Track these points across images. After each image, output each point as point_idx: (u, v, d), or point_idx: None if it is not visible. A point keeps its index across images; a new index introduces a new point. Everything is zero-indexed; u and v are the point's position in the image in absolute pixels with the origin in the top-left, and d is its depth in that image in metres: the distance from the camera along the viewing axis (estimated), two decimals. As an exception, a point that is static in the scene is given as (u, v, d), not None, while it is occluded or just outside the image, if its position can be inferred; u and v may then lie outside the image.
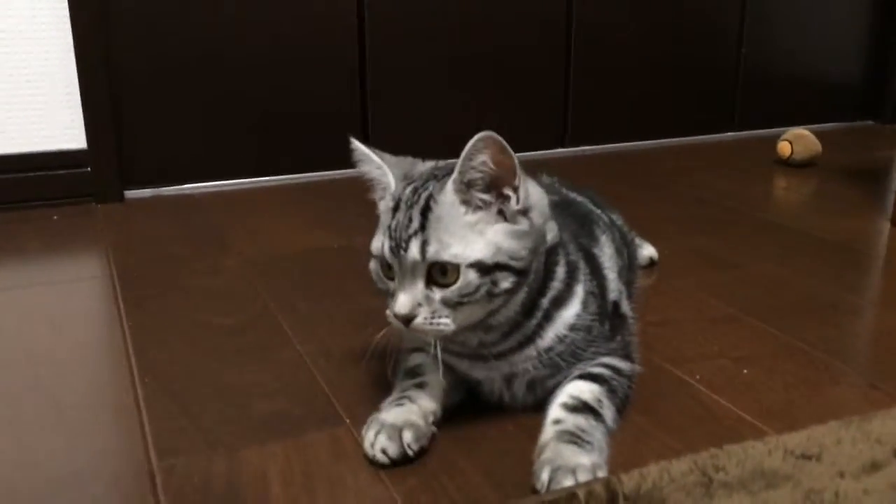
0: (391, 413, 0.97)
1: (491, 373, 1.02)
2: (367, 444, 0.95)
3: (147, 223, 1.99)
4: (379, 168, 0.99)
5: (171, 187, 2.20)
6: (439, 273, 0.91)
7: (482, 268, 0.91)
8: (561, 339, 1.00)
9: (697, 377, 1.15)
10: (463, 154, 0.90)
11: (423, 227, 0.91)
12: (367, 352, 1.08)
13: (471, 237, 0.91)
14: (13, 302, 1.48)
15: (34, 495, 0.90)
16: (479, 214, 0.92)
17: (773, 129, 2.81)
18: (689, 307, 1.42)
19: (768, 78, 2.96)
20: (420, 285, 0.92)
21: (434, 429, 0.98)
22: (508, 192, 0.93)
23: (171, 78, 2.15)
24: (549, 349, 1.00)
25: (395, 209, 0.94)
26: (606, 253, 1.15)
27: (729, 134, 2.94)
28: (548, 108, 2.64)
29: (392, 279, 0.95)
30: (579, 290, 1.01)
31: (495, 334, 0.99)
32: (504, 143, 0.89)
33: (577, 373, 1.02)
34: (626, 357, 1.07)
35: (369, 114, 2.37)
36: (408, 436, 0.93)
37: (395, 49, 2.37)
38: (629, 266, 1.32)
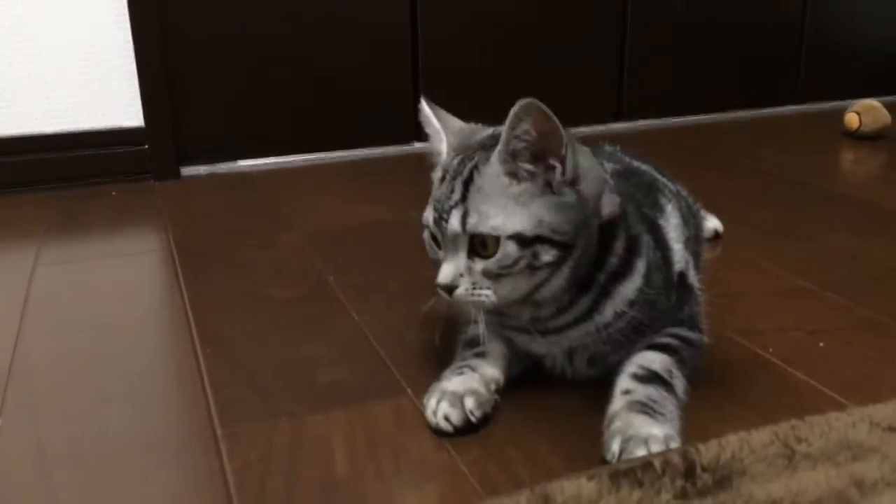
0: (452, 381, 0.95)
1: (551, 348, 1.00)
2: (429, 412, 0.93)
3: (203, 199, 2.00)
4: (436, 133, 0.98)
5: (226, 164, 2.22)
6: (480, 244, 0.89)
7: (522, 240, 0.88)
8: (620, 316, 0.96)
9: (770, 350, 1.11)
10: (506, 123, 0.87)
11: (463, 197, 0.89)
12: (419, 321, 1.06)
13: (512, 208, 0.88)
14: (78, 273, 1.50)
15: (102, 462, 0.91)
16: (525, 186, 0.89)
17: (839, 102, 2.71)
18: (758, 280, 1.37)
19: (834, 47, 2.85)
20: (462, 256, 0.90)
21: (497, 397, 0.96)
22: (554, 161, 0.88)
23: (226, 56, 2.15)
24: (608, 325, 0.96)
25: (442, 179, 0.93)
26: (672, 223, 1.10)
27: (793, 107, 2.84)
28: (603, 81, 2.58)
29: (440, 248, 0.93)
30: (640, 265, 0.97)
31: (548, 309, 0.96)
32: (547, 109, 0.85)
33: (646, 342, 0.98)
34: (694, 328, 1.03)
35: (420, 89, 2.35)
36: (470, 402, 0.92)
37: (448, 24, 2.34)
38: (695, 237, 1.28)
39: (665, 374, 0.93)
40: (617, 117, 2.62)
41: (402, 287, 1.36)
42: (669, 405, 0.90)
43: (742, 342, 1.14)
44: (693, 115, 2.70)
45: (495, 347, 1.01)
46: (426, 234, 0.96)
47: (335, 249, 1.58)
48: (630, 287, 0.96)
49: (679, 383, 0.94)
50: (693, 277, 1.10)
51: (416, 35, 2.32)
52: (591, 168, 0.93)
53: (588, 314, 0.96)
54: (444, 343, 1.06)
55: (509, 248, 0.88)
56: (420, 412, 0.96)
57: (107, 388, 1.08)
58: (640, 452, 0.80)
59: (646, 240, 1.00)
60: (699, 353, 1.01)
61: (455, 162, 0.93)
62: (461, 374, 0.97)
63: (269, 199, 1.95)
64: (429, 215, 0.93)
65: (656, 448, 0.80)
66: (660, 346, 0.97)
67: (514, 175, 0.89)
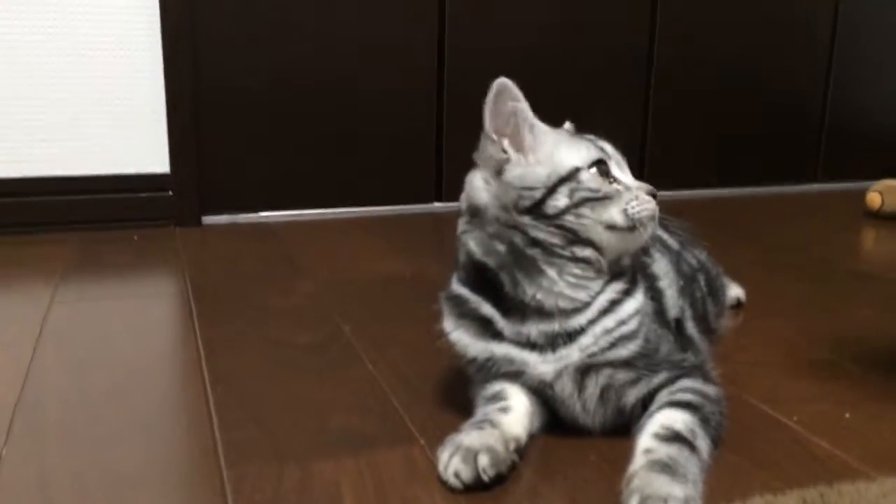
0: (470, 436, 0.93)
1: (560, 364, 0.96)
2: (440, 466, 0.90)
3: (223, 247, 2.01)
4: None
5: (247, 214, 2.23)
6: None
7: None
8: (636, 311, 0.97)
9: (795, 419, 1.07)
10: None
11: None
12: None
13: None
14: (93, 312, 1.50)
15: (106, 497, 0.88)
16: None
17: (859, 182, 2.71)
18: (781, 349, 1.34)
19: (855, 128, 2.87)
20: None
21: (515, 457, 0.93)
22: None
23: (252, 108, 2.19)
24: (625, 321, 0.96)
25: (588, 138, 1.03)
26: (660, 266, 1.11)
27: (813, 185, 2.84)
28: (623, 149, 2.60)
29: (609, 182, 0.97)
30: (640, 282, 1.01)
31: (598, 285, 0.97)
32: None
33: (665, 399, 0.96)
34: (707, 379, 1.01)
35: (444, 146, 2.37)
36: (483, 460, 0.88)
37: (473, 80, 2.37)
38: (714, 299, 1.27)
39: (688, 435, 0.90)
40: (638, 187, 2.62)
41: (418, 340, 1.34)
42: (692, 466, 0.87)
43: (765, 409, 1.11)
44: (712, 188, 2.71)
45: (521, 403, 0.98)
46: (587, 174, 0.96)
47: (352, 300, 1.57)
48: (639, 296, 0.99)
49: (703, 444, 0.91)
50: (692, 329, 1.11)
51: (441, 92, 2.35)
52: None
53: (613, 304, 0.97)
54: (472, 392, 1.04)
55: None
56: (432, 463, 0.93)
57: (115, 424, 1.06)
58: (660, 512, 0.77)
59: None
60: (721, 410, 0.98)
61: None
62: (480, 428, 0.94)
63: (289, 250, 1.95)
64: (594, 151, 0.99)
65: (676, 509, 0.77)
66: (680, 404, 0.95)
67: None
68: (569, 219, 0.96)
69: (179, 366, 1.26)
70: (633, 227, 0.96)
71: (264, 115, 2.21)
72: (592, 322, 0.96)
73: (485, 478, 0.88)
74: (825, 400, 1.14)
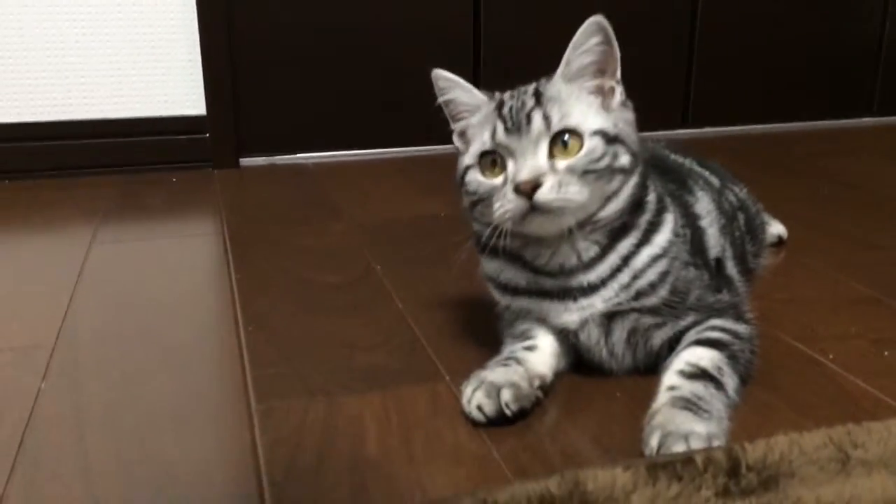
0: (494, 372, 0.93)
1: (585, 313, 0.95)
2: (464, 400, 0.90)
3: (260, 189, 2.02)
4: (468, 91, 0.97)
5: (285, 156, 2.24)
6: (562, 145, 0.89)
7: (606, 136, 0.90)
8: (654, 260, 0.94)
9: (831, 356, 1.05)
10: (572, 42, 0.91)
11: (539, 103, 0.90)
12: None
13: (589, 111, 0.91)
14: (131, 253, 1.53)
15: (135, 430, 0.91)
16: (591, 98, 0.93)
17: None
18: (821, 287, 1.31)
19: (915, 59, 2.73)
20: (543, 155, 0.89)
21: (539, 393, 0.93)
22: (612, 83, 0.93)
23: (290, 49, 2.18)
24: (642, 272, 0.93)
25: (500, 105, 0.93)
26: (703, 205, 1.08)
27: (867, 119, 2.73)
28: (669, 86, 2.52)
29: (498, 174, 0.91)
30: (669, 219, 0.97)
31: (595, 248, 0.93)
32: (610, 27, 0.91)
33: (693, 337, 0.94)
34: (740, 319, 0.98)
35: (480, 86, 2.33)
36: (506, 395, 0.88)
37: (509, 23, 2.32)
38: (753, 238, 1.23)
39: (714, 371, 0.89)
40: (683, 122, 2.55)
41: (449, 279, 1.34)
42: (717, 403, 0.86)
43: (800, 347, 1.08)
44: (761, 123, 2.62)
45: (547, 341, 0.98)
46: (473, 174, 0.93)
47: (385, 240, 1.57)
48: (663, 237, 0.96)
49: (730, 381, 0.89)
50: (732, 268, 1.08)
51: (478, 32, 2.30)
52: (631, 110, 0.97)
53: (626, 259, 0.94)
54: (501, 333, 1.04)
55: (595, 143, 0.89)
56: (457, 399, 0.93)
57: (148, 359, 1.08)
58: (680, 449, 0.76)
59: (669, 203, 1.00)
60: (752, 348, 0.96)
61: (508, 93, 0.95)
62: (506, 365, 0.94)
63: (325, 191, 1.95)
64: (486, 137, 0.91)
65: (697, 445, 0.76)
66: (709, 342, 0.93)
67: (579, 90, 0.92)
68: (477, 217, 0.96)
69: (213, 305, 1.28)
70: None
71: (300, 57, 2.19)
72: (608, 278, 0.94)
73: (507, 412, 0.88)
74: (863, 337, 1.11)
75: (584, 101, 0.92)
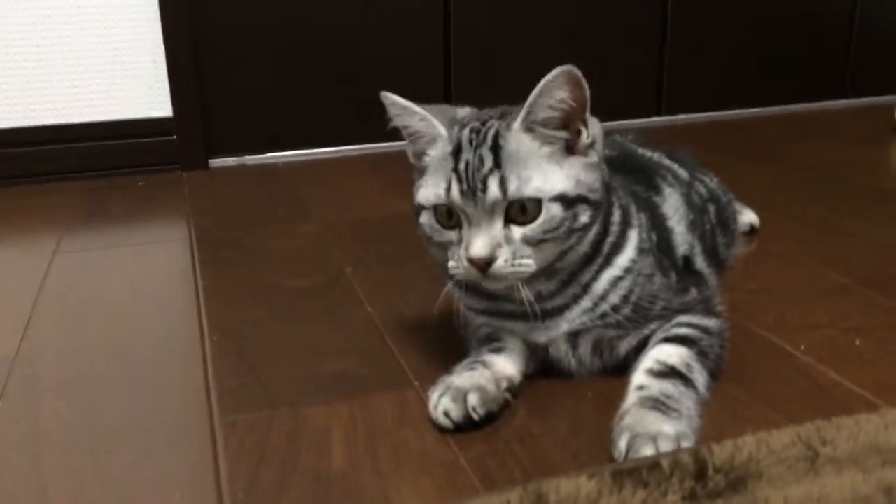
0: (461, 376, 0.91)
1: (551, 333, 0.94)
2: (430, 406, 0.89)
3: (230, 190, 1.99)
4: (423, 119, 0.91)
5: (255, 156, 2.20)
6: (518, 211, 0.85)
7: (566, 201, 0.85)
8: (614, 283, 0.92)
9: (802, 347, 1.04)
10: (537, 90, 0.85)
11: (497, 164, 0.85)
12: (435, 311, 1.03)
13: (549, 170, 0.86)
14: (96, 261, 1.50)
15: (95, 445, 0.89)
16: (552, 148, 0.87)
17: (890, 96, 2.60)
18: (793, 275, 1.30)
19: (886, 40, 2.73)
20: (498, 226, 0.85)
21: (507, 395, 0.91)
22: (579, 126, 0.87)
23: (257, 47, 2.14)
24: (603, 297, 0.92)
25: (458, 152, 0.87)
26: (671, 203, 1.07)
27: (841, 101, 2.73)
28: (642, 74, 2.51)
29: (453, 228, 0.88)
30: (633, 236, 0.95)
31: (555, 283, 0.91)
32: (582, 77, 0.84)
33: (661, 335, 0.93)
34: (710, 313, 0.97)
35: (452, 82, 2.31)
36: (473, 399, 0.87)
37: (480, 15, 2.30)
38: (724, 229, 1.22)
39: (683, 369, 0.88)
40: (657, 110, 2.54)
41: (421, 280, 1.32)
42: (687, 401, 0.85)
43: (772, 339, 1.07)
44: (735, 108, 2.61)
45: (513, 343, 0.97)
46: (426, 218, 0.90)
47: (356, 240, 1.55)
48: (625, 257, 0.93)
49: (699, 378, 0.88)
50: (701, 264, 1.07)
51: (448, 27, 2.28)
52: (600, 129, 0.92)
53: (586, 287, 0.92)
54: (466, 331, 1.02)
55: (553, 211, 0.85)
56: (426, 406, 0.91)
57: (110, 373, 1.06)
58: (648, 451, 0.75)
59: (634, 212, 0.97)
60: (721, 343, 0.95)
61: (466, 132, 0.88)
62: (472, 369, 0.93)
63: (296, 191, 1.92)
64: (442, 191, 0.87)
65: (666, 447, 0.75)
66: (677, 339, 0.92)
67: (537, 139, 0.87)
68: (430, 250, 0.93)
69: (178, 314, 1.26)
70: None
71: (268, 54, 2.15)
72: (571, 303, 0.92)
73: (475, 416, 0.87)
74: (835, 327, 1.10)
75: (544, 152, 0.86)
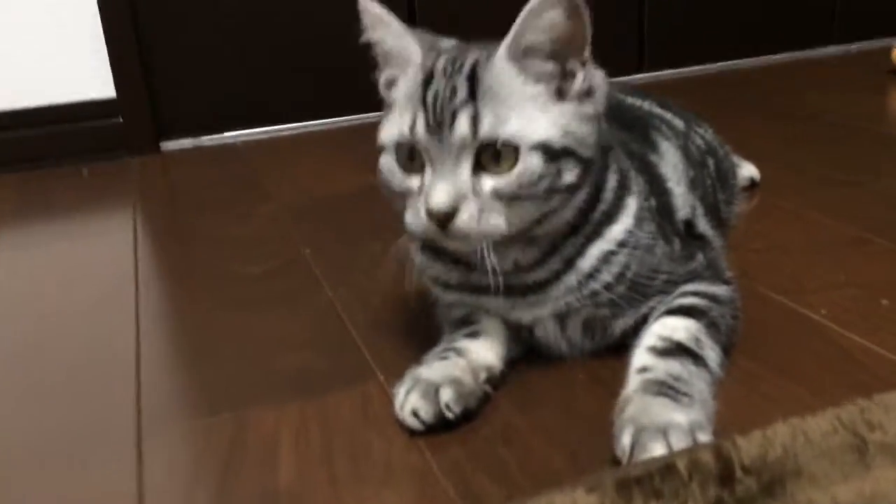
0: (431, 367, 0.77)
1: (536, 311, 0.80)
2: (397, 405, 0.75)
3: (183, 175, 1.83)
4: (399, 37, 0.77)
5: (212, 136, 2.04)
6: (491, 157, 0.70)
7: (549, 152, 0.71)
8: (606, 259, 0.78)
9: (823, 312, 0.91)
10: (526, 10, 0.70)
11: (472, 96, 0.71)
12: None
13: (533, 113, 0.71)
14: (30, 259, 1.35)
15: (14, 457, 0.75)
16: (539, 88, 0.72)
17: (880, 40, 2.46)
18: (801, 230, 1.17)
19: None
20: (465, 173, 0.71)
21: (487, 388, 0.78)
22: (574, 66, 0.73)
23: (204, 15, 1.97)
24: (591, 274, 0.78)
25: (428, 80, 0.73)
26: (669, 161, 0.92)
27: (830, 48, 2.59)
28: (622, 29, 2.36)
29: (416, 172, 0.73)
30: (631, 203, 0.80)
31: (534, 252, 0.77)
32: (584, 7, 0.70)
33: (662, 308, 0.80)
34: (718, 279, 0.84)
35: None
36: (447, 394, 0.73)
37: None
38: (723, 184, 1.09)
39: (692, 344, 0.75)
40: (639, 67, 2.40)
41: (388, 259, 1.17)
42: (698, 382, 0.72)
43: (787, 303, 0.94)
44: (720, 61, 2.47)
45: (492, 325, 0.83)
46: (386, 159, 0.76)
47: (318, 220, 1.41)
48: (620, 227, 0.79)
49: (711, 354, 0.75)
50: (704, 226, 0.93)
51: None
52: (604, 81, 0.76)
53: (570, 262, 0.78)
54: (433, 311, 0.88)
55: (533, 162, 0.70)
56: (392, 402, 0.78)
57: (30, 382, 0.92)
58: (657, 447, 0.62)
59: (633, 176, 0.83)
60: (733, 312, 0.82)
61: (442, 61, 0.74)
62: (444, 358, 0.79)
63: (253, 171, 1.77)
64: (406, 125, 0.72)
65: (678, 441, 0.62)
66: (683, 310, 0.79)
67: (525, 73, 0.72)
68: (391, 202, 0.78)
69: (114, 313, 1.10)
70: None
71: (219, 24, 1.99)
72: (552, 279, 0.79)
73: (449, 415, 0.73)
74: (855, 285, 0.97)
75: (529, 92, 0.72)
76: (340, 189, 1.57)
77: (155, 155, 1.96)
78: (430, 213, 0.70)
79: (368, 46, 0.80)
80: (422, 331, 0.91)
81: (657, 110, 1.06)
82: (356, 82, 2.09)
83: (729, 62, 2.48)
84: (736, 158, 1.29)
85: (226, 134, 2.06)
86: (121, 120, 1.91)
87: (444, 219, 0.70)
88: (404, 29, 0.77)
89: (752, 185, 1.35)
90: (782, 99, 2.05)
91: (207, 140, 2.04)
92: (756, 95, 2.12)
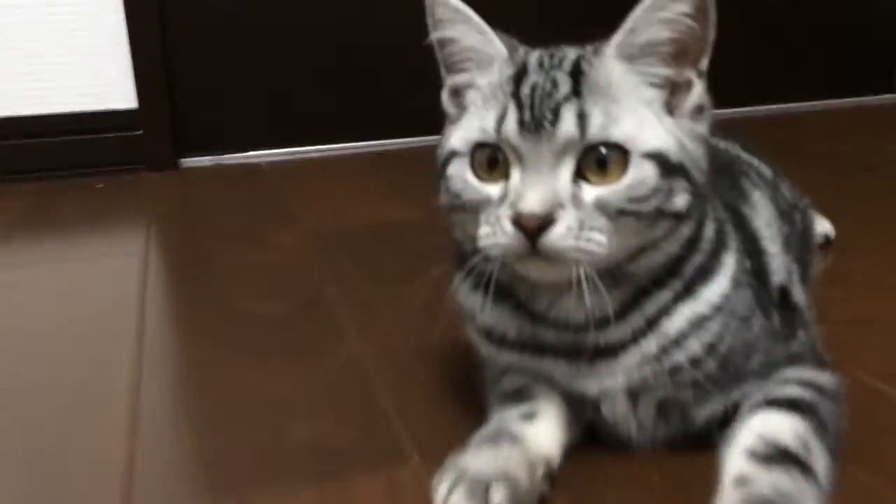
0: (480, 456, 0.64)
1: (605, 381, 0.67)
2: (437, 502, 0.62)
3: (201, 194, 1.73)
4: (480, 32, 0.65)
5: (234, 155, 1.95)
6: (595, 164, 0.59)
7: (665, 164, 0.60)
8: (698, 324, 0.65)
9: (936, 404, 0.77)
10: (645, 3, 0.60)
11: (577, 92, 0.60)
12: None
13: (648, 118, 0.60)
14: (27, 281, 1.24)
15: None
16: (653, 92, 0.61)
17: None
18: (888, 299, 1.03)
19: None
20: (566, 176, 0.59)
21: (545, 487, 0.65)
22: (691, 75, 0.62)
23: (233, 27, 1.88)
24: (678, 340, 0.64)
25: (521, 74, 0.62)
26: (762, 215, 0.79)
27: (888, 95, 2.46)
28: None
29: (497, 179, 0.61)
30: (729, 261, 0.68)
31: (615, 299, 0.64)
32: (712, 2, 0.61)
33: (759, 397, 0.66)
34: (821, 365, 0.71)
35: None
36: (499, 495, 0.60)
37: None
38: (802, 239, 0.95)
39: (799, 450, 0.61)
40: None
41: (421, 304, 1.05)
42: (807, 501, 0.58)
43: (889, 390, 0.80)
44: (772, 103, 2.35)
45: (551, 404, 0.69)
46: (459, 166, 0.63)
47: (344, 253, 1.29)
48: (716, 289, 0.66)
49: (820, 462, 0.62)
50: (799, 294, 0.79)
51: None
52: (710, 103, 0.65)
53: (653, 322, 0.65)
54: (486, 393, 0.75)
55: (647, 171, 0.59)
56: (427, 492, 0.65)
57: (10, 438, 0.79)
58: None
59: (730, 230, 0.70)
60: (839, 408, 0.68)
61: (536, 55, 0.64)
62: (495, 445, 0.66)
63: (276, 195, 1.67)
64: (490, 122, 0.61)
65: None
66: (787, 403, 0.65)
67: (639, 76, 0.62)
68: (456, 224, 0.66)
69: (110, 352, 0.98)
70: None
71: (248, 38, 1.90)
72: (628, 342, 0.65)
73: (500, 520, 0.60)
74: (972, 371, 0.84)
75: (643, 95, 0.62)
76: (370, 220, 1.46)
77: (172, 171, 1.86)
78: (520, 221, 0.58)
79: (431, 48, 0.68)
80: (466, 396, 0.78)
81: (744, 155, 0.94)
82: (390, 103, 2.00)
83: (777, 105, 2.36)
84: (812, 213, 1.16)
85: (249, 153, 1.96)
86: (141, 132, 1.82)
87: (535, 229, 0.57)
88: (485, 25, 0.65)
89: (827, 242, 1.22)
90: (842, 146, 1.92)
91: (229, 158, 1.94)
92: (818, 142, 1.99)
